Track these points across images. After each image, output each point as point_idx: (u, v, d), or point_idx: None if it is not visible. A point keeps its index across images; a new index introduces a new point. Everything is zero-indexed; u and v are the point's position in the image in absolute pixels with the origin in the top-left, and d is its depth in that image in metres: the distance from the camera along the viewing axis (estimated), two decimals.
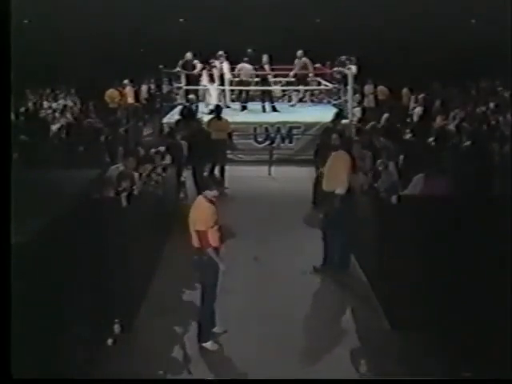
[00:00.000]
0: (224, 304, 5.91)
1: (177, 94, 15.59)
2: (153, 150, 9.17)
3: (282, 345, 5.65)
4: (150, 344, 5.76)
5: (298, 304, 6.57)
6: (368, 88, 17.03)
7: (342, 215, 7.14)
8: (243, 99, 15.25)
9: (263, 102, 14.88)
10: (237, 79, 15.18)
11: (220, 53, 15.08)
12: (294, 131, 13.33)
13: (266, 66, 14.94)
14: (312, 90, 16.48)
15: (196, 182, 9.74)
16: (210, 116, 11.99)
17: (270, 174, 12.09)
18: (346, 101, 13.96)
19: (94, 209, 5.66)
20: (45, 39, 20.81)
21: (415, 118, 13.06)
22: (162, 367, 5.37)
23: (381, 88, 17.04)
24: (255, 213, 9.43)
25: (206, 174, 10.22)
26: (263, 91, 15.02)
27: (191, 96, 14.09)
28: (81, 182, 5.50)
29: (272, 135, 13.26)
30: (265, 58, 14.91)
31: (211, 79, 14.87)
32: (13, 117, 12.39)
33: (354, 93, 14.68)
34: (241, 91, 15.35)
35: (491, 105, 14.20)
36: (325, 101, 16.37)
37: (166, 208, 8.53)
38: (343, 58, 14.85)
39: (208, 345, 5.69)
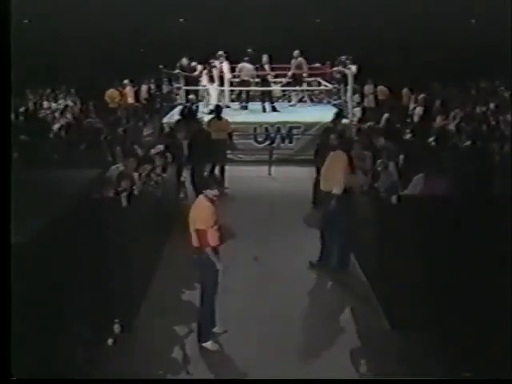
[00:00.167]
0: (224, 304, 5.92)
1: (177, 94, 15.59)
2: (153, 150, 9.17)
3: (282, 345, 5.65)
4: (150, 344, 5.76)
5: (298, 304, 6.57)
6: (368, 88, 17.03)
7: (339, 215, 7.16)
8: (244, 99, 15.26)
9: (263, 102, 14.88)
10: (237, 79, 15.20)
11: (220, 53, 15.10)
12: (294, 131, 13.33)
13: (266, 66, 14.96)
14: (311, 90, 16.49)
15: (193, 182, 9.74)
16: (210, 116, 12.00)
17: (270, 173, 12.09)
18: (345, 101, 13.97)
19: (93, 209, 5.66)
20: (45, 39, 20.81)
21: (416, 119, 13.06)
22: (161, 367, 5.38)
23: (381, 88, 17.04)
24: (255, 213, 9.43)
25: (206, 173, 10.22)
26: (263, 91, 15.03)
27: (191, 96, 14.10)
28: (81, 182, 5.50)
29: (272, 135, 13.27)
30: (265, 57, 14.93)
31: (211, 79, 14.88)
32: (13, 117, 12.40)
33: (354, 93, 14.70)
34: (241, 91, 15.36)
35: (491, 105, 14.21)
36: (325, 101, 16.38)
37: (166, 208, 8.53)
38: (343, 57, 14.85)
39: (208, 345, 5.69)
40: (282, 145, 13.32)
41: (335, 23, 21.21)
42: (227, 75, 15.15)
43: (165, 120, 13.42)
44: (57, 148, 9.68)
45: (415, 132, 10.48)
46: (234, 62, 15.29)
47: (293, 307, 6.43)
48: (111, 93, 16.79)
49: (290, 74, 15.34)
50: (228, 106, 14.65)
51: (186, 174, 10.21)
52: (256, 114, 14.49)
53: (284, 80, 15.91)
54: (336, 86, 15.17)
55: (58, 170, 7.17)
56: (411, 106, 15.05)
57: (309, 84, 16.51)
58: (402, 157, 8.27)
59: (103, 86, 17.16)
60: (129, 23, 21.21)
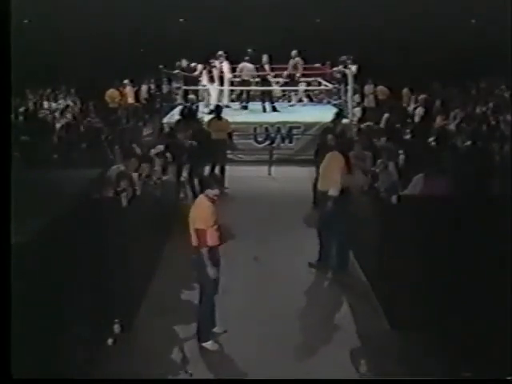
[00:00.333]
0: (224, 304, 5.92)
1: (177, 94, 15.59)
2: (153, 150, 9.17)
3: (282, 345, 5.65)
4: (149, 344, 5.75)
5: (298, 304, 6.57)
6: (368, 88, 17.03)
7: (336, 216, 7.16)
8: (244, 99, 15.26)
9: (263, 101, 14.88)
10: (238, 79, 15.20)
11: (220, 53, 15.09)
12: (294, 131, 13.34)
13: (266, 66, 14.96)
14: (311, 90, 16.49)
15: (192, 182, 9.72)
16: (210, 116, 12.00)
17: (269, 173, 12.09)
18: (345, 101, 13.97)
19: (93, 209, 5.66)
20: (45, 39, 20.79)
21: (417, 119, 13.06)
22: (161, 367, 5.37)
23: (381, 88, 17.04)
24: (255, 213, 9.43)
25: (206, 173, 10.21)
26: (263, 91, 15.03)
27: (191, 96, 14.10)
28: (81, 182, 5.51)
29: (272, 135, 13.27)
30: (265, 57, 14.93)
31: (211, 79, 14.88)
32: (13, 117, 12.39)
33: (354, 93, 14.70)
34: (242, 91, 15.36)
35: (491, 105, 14.21)
36: (325, 101, 16.38)
37: (166, 208, 8.53)
38: (343, 57, 14.85)
39: (208, 345, 5.69)
40: (282, 145, 13.32)
41: (335, 23, 21.20)
42: (227, 75, 15.15)
43: (165, 120, 13.41)
44: (57, 148, 9.68)
45: (415, 132, 10.48)
46: (234, 62, 15.29)
47: (293, 307, 6.43)
48: (111, 93, 16.79)
49: (285, 73, 15.34)
50: (228, 106, 14.65)
51: (185, 174, 10.21)
52: (256, 114, 14.49)
53: (281, 80, 15.91)
54: (336, 85, 15.18)
55: (58, 170, 7.19)
56: (411, 106, 15.05)
57: (309, 84, 16.52)
58: (402, 157, 8.27)
59: (103, 85, 17.17)
60: (129, 23, 21.20)
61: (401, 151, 8.45)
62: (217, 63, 14.95)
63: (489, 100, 14.95)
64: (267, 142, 13.16)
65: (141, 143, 10.13)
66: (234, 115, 13.41)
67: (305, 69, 15.65)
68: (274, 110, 14.80)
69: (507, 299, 5.15)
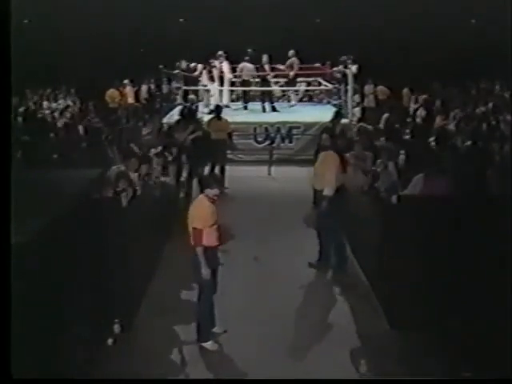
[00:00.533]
0: (224, 304, 5.92)
1: (177, 94, 15.59)
2: (153, 150, 9.17)
3: (282, 345, 5.65)
4: (149, 344, 5.75)
5: (298, 304, 6.57)
6: (368, 88, 17.03)
7: (332, 215, 7.16)
8: (244, 99, 15.25)
9: (263, 102, 14.88)
10: (238, 79, 15.19)
11: (220, 53, 15.09)
12: (294, 131, 13.34)
13: (266, 66, 14.96)
14: (312, 90, 16.50)
15: (192, 182, 9.71)
16: (210, 116, 12.00)
17: (269, 173, 12.09)
18: (345, 101, 13.97)
19: (93, 209, 5.66)
20: (45, 39, 20.79)
21: (418, 120, 13.05)
22: (161, 367, 5.37)
23: (381, 88, 17.04)
24: (255, 213, 9.43)
25: (206, 173, 10.20)
26: (263, 91, 15.02)
27: (191, 96, 14.11)
28: (81, 182, 5.51)
29: (272, 135, 13.27)
30: (265, 57, 14.92)
31: (211, 79, 14.88)
32: (13, 117, 12.39)
33: (354, 93, 14.70)
34: (243, 91, 15.36)
35: (491, 105, 14.21)
36: (325, 101, 16.37)
37: (166, 208, 8.53)
38: (343, 57, 14.85)
39: (208, 345, 5.69)
40: (282, 145, 13.32)
41: (335, 23, 21.20)
42: (227, 75, 15.15)
43: (165, 120, 13.41)
44: (57, 148, 9.68)
45: (415, 132, 10.49)
46: (234, 62, 15.29)
47: (293, 307, 6.43)
48: (111, 93, 16.80)
49: (291, 74, 15.31)
50: (228, 106, 14.65)
51: (185, 174, 10.21)
52: (256, 114, 14.49)
53: (281, 80, 15.91)
54: (336, 85, 15.17)
55: (58, 169, 7.18)
56: (412, 106, 15.05)
57: (309, 84, 16.51)
58: (402, 157, 8.27)
59: (103, 85, 17.17)
60: (129, 23, 21.19)
61: (401, 151, 8.46)
62: (217, 63, 14.95)
63: (489, 100, 14.94)
64: (267, 142, 13.16)
65: (141, 143, 10.13)
66: (233, 115, 13.41)
67: (305, 69, 15.64)
68: (274, 110, 14.80)
69: (507, 299, 5.15)
